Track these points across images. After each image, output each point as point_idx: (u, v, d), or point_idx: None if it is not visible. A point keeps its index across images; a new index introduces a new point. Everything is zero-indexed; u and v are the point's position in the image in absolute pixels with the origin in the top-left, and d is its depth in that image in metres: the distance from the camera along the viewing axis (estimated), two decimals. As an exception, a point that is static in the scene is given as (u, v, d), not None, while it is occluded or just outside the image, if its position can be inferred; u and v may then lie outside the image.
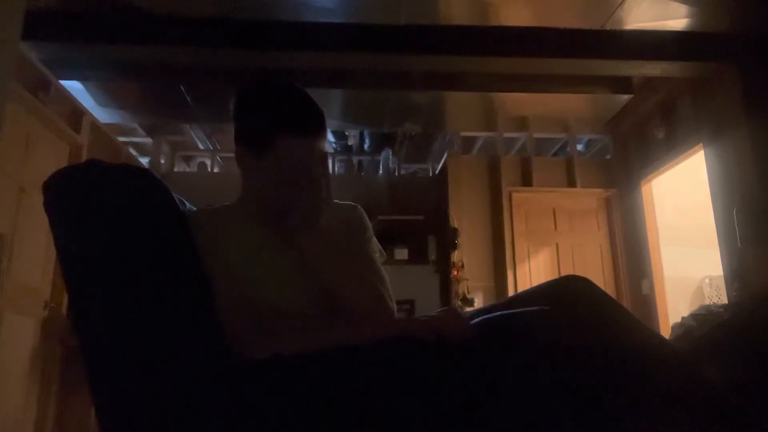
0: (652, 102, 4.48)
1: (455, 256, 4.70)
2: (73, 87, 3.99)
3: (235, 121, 1.11)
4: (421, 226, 5.01)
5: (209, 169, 5.82)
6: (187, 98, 4.45)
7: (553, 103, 4.72)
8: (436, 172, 5.58)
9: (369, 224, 1.20)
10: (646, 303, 4.53)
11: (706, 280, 4.80)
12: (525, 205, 5.03)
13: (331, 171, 6.11)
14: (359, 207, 1.22)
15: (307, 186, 1.04)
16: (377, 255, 1.17)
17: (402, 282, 4.36)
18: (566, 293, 1.03)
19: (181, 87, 4.30)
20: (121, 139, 4.81)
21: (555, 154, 5.83)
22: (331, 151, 6.03)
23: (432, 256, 4.95)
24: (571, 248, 5.03)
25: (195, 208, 1.17)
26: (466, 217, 4.90)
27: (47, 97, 3.33)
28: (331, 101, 4.51)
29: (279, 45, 3.54)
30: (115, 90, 4.38)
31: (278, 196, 1.06)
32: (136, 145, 5.55)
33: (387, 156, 5.84)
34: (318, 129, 1.07)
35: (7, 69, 2.38)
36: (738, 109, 3.57)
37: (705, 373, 1.01)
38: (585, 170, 5.13)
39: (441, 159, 5.40)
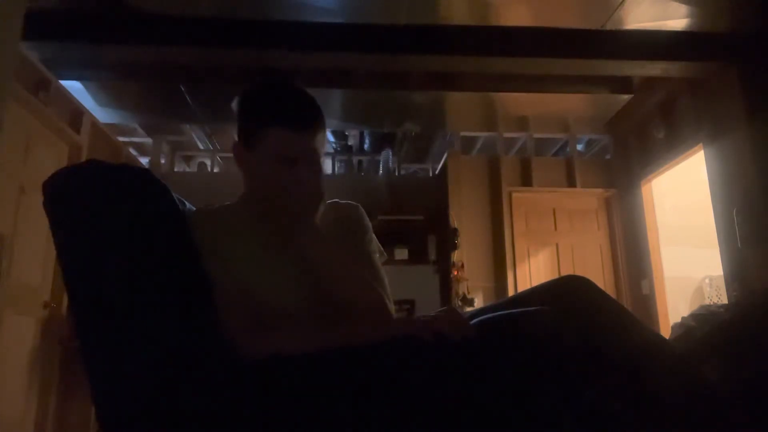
0: (652, 102, 4.48)
1: (455, 256, 4.70)
2: (73, 87, 3.98)
3: (237, 119, 1.12)
4: (421, 226, 5.01)
5: (209, 169, 5.82)
6: (187, 98, 4.45)
7: (553, 103, 4.71)
8: (436, 172, 5.58)
9: (369, 224, 1.20)
10: (646, 303, 4.53)
11: (706, 280, 4.80)
12: (525, 205, 5.03)
13: (330, 171, 6.13)
14: (360, 206, 1.22)
15: (294, 179, 1.04)
16: (377, 255, 1.17)
17: (402, 282, 4.35)
18: (566, 293, 1.03)
19: (181, 87, 4.30)
20: (121, 139, 4.80)
21: (555, 154, 5.83)
22: (331, 151, 6.03)
23: (432, 256, 4.95)
24: (571, 248, 5.03)
25: (195, 208, 1.17)
26: (466, 217, 4.90)
27: (47, 97, 3.32)
28: (331, 101, 4.50)
29: (279, 45, 3.54)
30: (115, 90, 4.38)
31: (266, 189, 1.07)
32: (136, 145, 5.55)
33: (387, 156, 5.84)
34: (308, 125, 1.07)
35: (7, 69, 2.38)
36: (738, 109, 3.57)
37: (705, 373, 1.01)
38: (585, 170, 5.13)
39: (441, 159, 5.40)
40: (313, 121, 1.08)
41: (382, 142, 5.73)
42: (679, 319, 3.02)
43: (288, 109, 1.07)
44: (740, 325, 2.38)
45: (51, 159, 3.44)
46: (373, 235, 1.20)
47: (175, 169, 5.71)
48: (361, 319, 1.02)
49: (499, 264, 4.84)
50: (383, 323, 1.01)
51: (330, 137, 5.77)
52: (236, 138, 1.12)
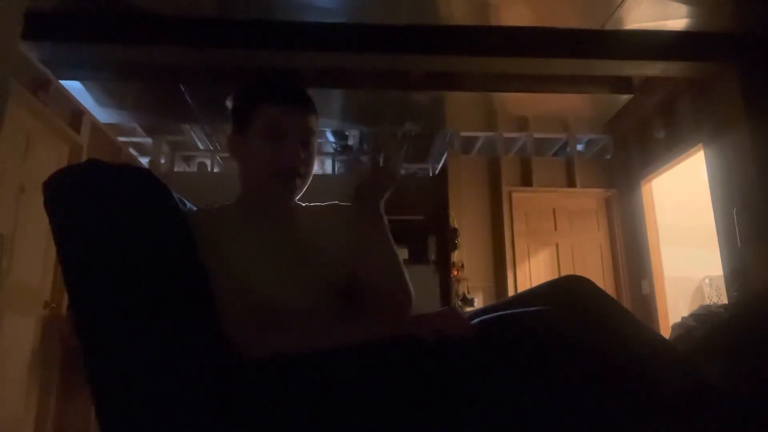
0: (652, 102, 4.48)
1: (455, 256, 4.70)
2: (73, 87, 3.98)
3: (230, 113, 1.15)
4: (421, 226, 5.01)
5: (209, 169, 5.82)
6: (187, 98, 4.45)
7: (553, 103, 4.71)
8: (436, 172, 5.58)
9: None
10: (646, 303, 4.53)
11: (706, 280, 4.80)
12: (525, 205, 5.03)
13: (330, 171, 6.13)
14: None
15: (278, 153, 1.06)
16: None
17: (402, 282, 4.34)
18: (566, 293, 1.03)
19: (181, 87, 4.30)
20: (121, 139, 4.80)
21: (555, 154, 5.83)
22: (331, 151, 6.03)
23: (432, 256, 4.95)
24: (571, 248, 5.03)
25: (195, 208, 1.17)
26: (466, 217, 4.90)
27: (47, 97, 3.32)
28: (331, 101, 4.50)
29: (279, 45, 3.54)
30: (115, 90, 4.38)
31: (254, 170, 1.10)
32: (136, 145, 5.55)
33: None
34: (298, 102, 1.10)
35: (7, 69, 2.38)
36: (738, 109, 3.57)
37: (705, 373, 1.01)
38: (585, 170, 5.13)
39: (441, 159, 5.40)
40: (303, 100, 1.11)
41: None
42: (679, 319, 3.02)
43: (278, 88, 1.11)
44: (740, 325, 2.38)
45: (51, 159, 3.44)
46: None
47: (175, 169, 5.70)
48: (384, 310, 1.04)
49: (499, 264, 4.84)
50: (383, 323, 1.01)
51: (330, 137, 5.77)
52: (230, 132, 1.15)
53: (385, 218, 1.09)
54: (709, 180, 3.87)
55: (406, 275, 1.10)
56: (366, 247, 1.08)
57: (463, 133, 5.41)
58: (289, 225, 1.16)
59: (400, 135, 1.10)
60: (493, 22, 3.60)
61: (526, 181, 5.06)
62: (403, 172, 6.08)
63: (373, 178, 1.08)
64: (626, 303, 4.65)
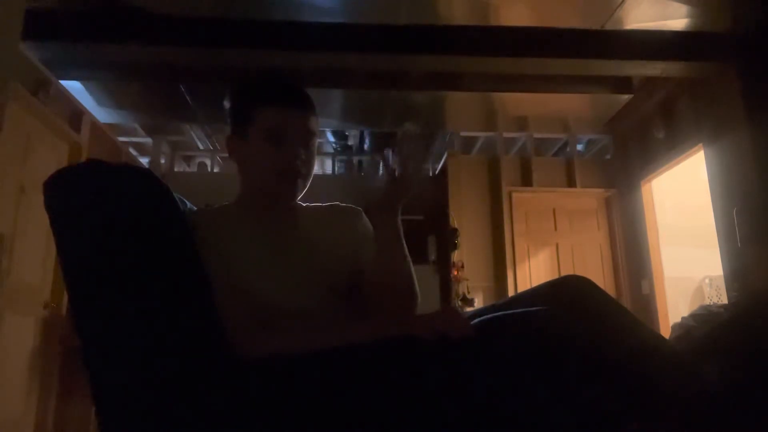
0: (652, 102, 4.48)
1: (455, 256, 4.70)
2: (73, 87, 3.98)
3: (228, 115, 1.15)
4: (421, 226, 5.00)
5: (209, 169, 5.82)
6: (187, 98, 4.44)
7: (553, 103, 4.71)
8: (436, 172, 5.58)
9: (372, 228, 1.22)
10: (646, 303, 4.53)
11: (706, 280, 4.80)
12: (525, 205, 5.03)
13: (330, 171, 6.13)
14: (362, 211, 1.25)
15: (280, 155, 1.06)
16: None
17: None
18: (567, 293, 1.03)
19: (181, 87, 4.30)
20: (121, 139, 4.80)
21: (555, 154, 5.83)
22: (331, 151, 6.03)
23: (432, 256, 4.94)
24: (571, 248, 5.03)
25: (195, 208, 1.17)
26: (466, 217, 4.90)
27: (47, 97, 3.32)
28: (331, 101, 4.50)
29: (279, 45, 3.54)
30: (115, 90, 4.38)
31: (256, 173, 1.10)
32: (136, 145, 5.55)
33: (387, 156, 5.82)
34: (298, 102, 1.10)
35: (7, 69, 2.38)
36: (738, 109, 3.57)
37: (705, 373, 1.01)
38: (585, 170, 5.13)
39: (441, 159, 5.40)
40: (303, 101, 1.11)
41: (382, 142, 5.73)
42: (679, 319, 3.02)
43: (278, 89, 1.10)
44: (740, 325, 2.38)
45: (51, 159, 3.43)
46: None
47: (175, 169, 5.71)
48: (386, 310, 1.04)
49: (499, 264, 4.83)
50: (384, 322, 1.01)
51: (330, 137, 5.77)
52: (229, 133, 1.14)
53: (400, 223, 1.10)
54: (709, 180, 3.88)
55: (415, 278, 1.10)
56: (381, 251, 1.09)
57: (463, 133, 5.41)
58: (290, 225, 1.16)
59: (400, 135, 1.10)
60: (493, 22, 3.60)
61: (526, 181, 5.06)
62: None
63: (393, 186, 1.08)
64: (626, 303, 4.65)
